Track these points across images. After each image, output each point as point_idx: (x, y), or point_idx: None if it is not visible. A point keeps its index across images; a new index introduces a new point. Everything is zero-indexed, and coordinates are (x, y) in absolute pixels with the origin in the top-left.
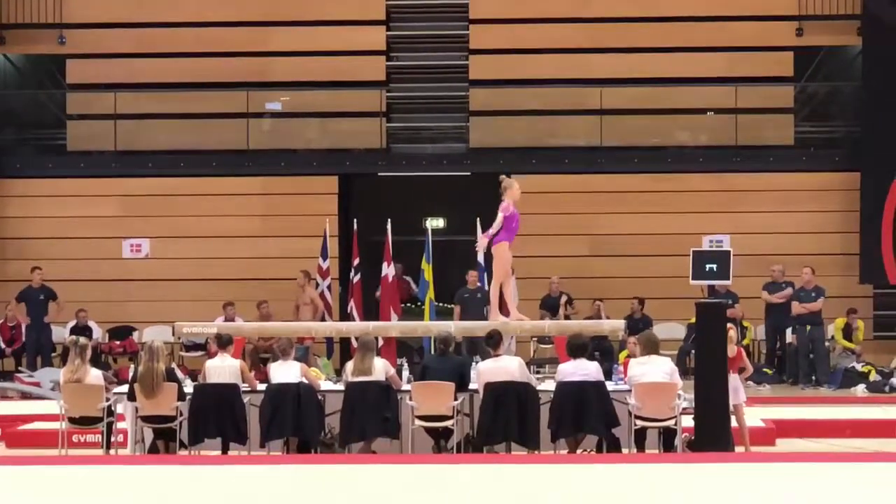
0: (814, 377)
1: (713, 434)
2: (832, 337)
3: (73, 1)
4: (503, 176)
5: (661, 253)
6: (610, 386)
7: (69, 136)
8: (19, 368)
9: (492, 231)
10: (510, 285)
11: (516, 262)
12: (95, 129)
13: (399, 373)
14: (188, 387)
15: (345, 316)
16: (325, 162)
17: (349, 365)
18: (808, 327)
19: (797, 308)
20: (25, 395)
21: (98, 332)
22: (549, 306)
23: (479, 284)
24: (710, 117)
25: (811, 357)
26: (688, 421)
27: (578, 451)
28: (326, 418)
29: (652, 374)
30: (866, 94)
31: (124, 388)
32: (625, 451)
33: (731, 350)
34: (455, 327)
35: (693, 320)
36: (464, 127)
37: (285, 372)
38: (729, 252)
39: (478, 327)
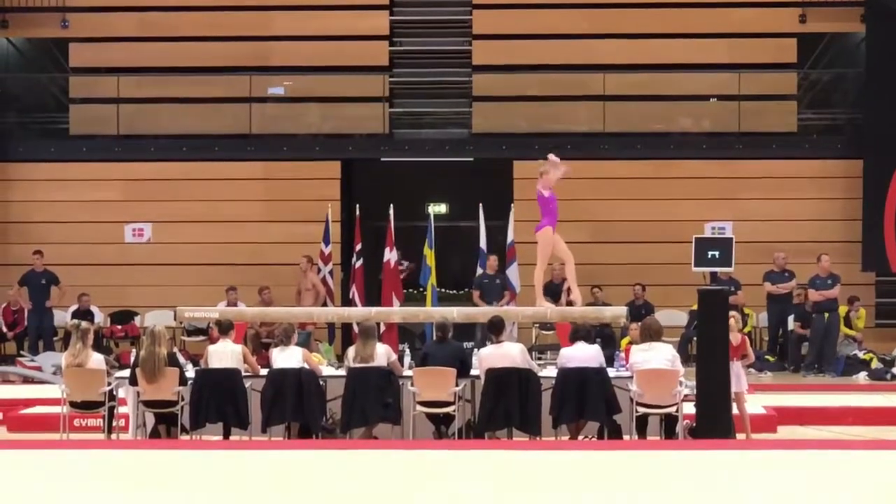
0: (816, 365)
1: (714, 421)
2: None
3: None
4: (541, 160)
5: (664, 240)
6: (611, 372)
7: (72, 119)
8: (21, 352)
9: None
10: (571, 269)
11: (520, 249)
12: (98, 113)
13: (401, 359)
14: (190, 371)
15: (346, 301)
16: (327, 147)
17: (351, 350)
18: (826, 314)
19: (814, 295)
20: (27, 380)
21: (100, 317)
22: (551, 293)
23: (497, 270)
24: (713, 104)
25: (820, 345)
26: (689, 408)
27: (580, 438)
28: (328, 404)
29: (654, 360)
30: (869, 81)
31: (126, 372)
32: (626, 437)
33: (735, 338)
34: (457, 313)
35: (695, 307)
36: (467, 112)
37: (287, 357)
38: (731, 239)
39: (480, 313)
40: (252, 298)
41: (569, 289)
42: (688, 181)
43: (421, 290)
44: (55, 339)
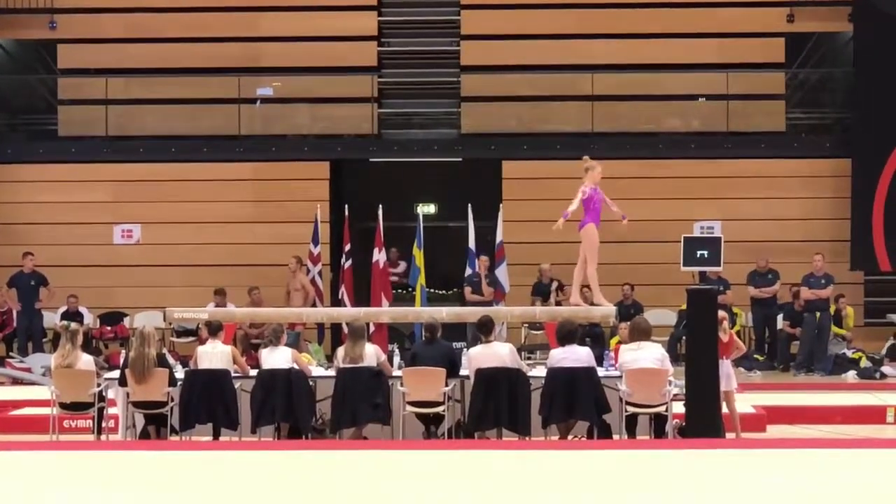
0: (807, 364)
1: (704, 420)
2: None
3: None
4: (586, 157)
5: (653, 239)
6: (601, 372)
7: (60, 121)
8: (10, 354)
9: (568, 210)
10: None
11: (509, 249)
12: (86, 115)
13: (390, 359)
14: (179, 372)
15: (336, 302)
16: (316, 147)
17: (340, 351)
18: (818, 314)
19: (806, 293)
20: (16, 381)
21: (89, 318)
22: (540, 292)
23: (487, 269)
24: (701, 103)
25: (811, 344)
26: (679, 407)
27: (569, 437)
28: (317, 404)
29: (643, 360)
30: (858, 81)
31: (115, 373)
32: (616, 437)
33: (724, 337)
34: (447, 313)
35: (684, 306)
36: (455, 113)
37: (276, 358)
38: (720, 238)
39: (469, 313)
40: (241, 299)
41: (561, 287)
42: (676, 181)
43: (410, 290)
44: (44, 340)
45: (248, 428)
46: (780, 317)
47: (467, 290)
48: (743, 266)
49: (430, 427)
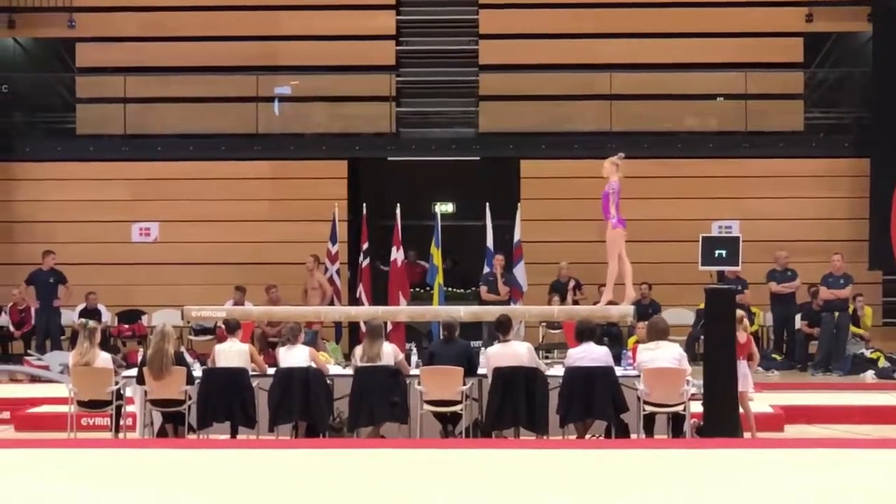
0: (825, 364)
1: (722, 420)
2: None
3: None
4: (621, 155)
5: (671, 238)
6: (619, 371)
7: (79, 119)
8: (28, 351)
9: (612, 213)
10: (612, 267)
11: (527, 248)
12: (105, 113)
13: (408, 358)
14: (197, 370)
15: (353, 300)
16: (334, 146)
17: (358, 349)
18: (837, 314)
19: (825, 293)
20: (35, 378)
21: (107, 316)
22: (558, 291)
23: (503, 268)
24: (719, 103)
25: (830, 344)
26: (696, 407)
27: (587, 437)
28: (335, 403)
29: (661, 359)
30: (876, 80)
31: (133, 371)
32: (633, 436)
33: (741, 336)
34: (464, 312)
35: (702, 306)
36: (473, 112)
37: (294, 356)
38: (738, 238)
39: (487, 312)
40: (259, 297)
41: (578, 286)
42: (695, 180)
43: (428, 289)
44: (62, 338)
45: (266, 426)
46: (798, 316)
47: (483, 289)
48: (761, 265)
49: (448, 426)
